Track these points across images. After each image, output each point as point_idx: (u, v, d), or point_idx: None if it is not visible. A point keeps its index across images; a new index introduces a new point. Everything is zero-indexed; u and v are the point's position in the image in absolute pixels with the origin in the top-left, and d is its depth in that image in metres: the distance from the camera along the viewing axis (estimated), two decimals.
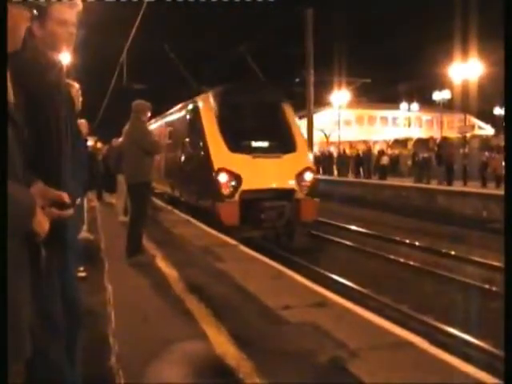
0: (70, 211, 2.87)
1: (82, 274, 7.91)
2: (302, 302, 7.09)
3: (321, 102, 52.15)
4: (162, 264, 9.64)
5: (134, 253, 9.75)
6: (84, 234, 11.12)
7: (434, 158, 33.64)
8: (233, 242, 12.68)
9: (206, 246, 11.54)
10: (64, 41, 3.40)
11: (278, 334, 5.90)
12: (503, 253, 3.07)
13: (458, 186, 30.02)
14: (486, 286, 12.20)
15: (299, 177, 16.01)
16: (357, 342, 5.55)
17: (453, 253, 15.76)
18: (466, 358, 6.13)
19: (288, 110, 17.67)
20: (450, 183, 30.88)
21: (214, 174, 15.26)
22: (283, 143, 16.53)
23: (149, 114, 10.37)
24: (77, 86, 5.60)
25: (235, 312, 6.73)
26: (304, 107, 35.18)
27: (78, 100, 5.76)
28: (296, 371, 4.94)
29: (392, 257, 15.49)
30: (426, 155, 34.11)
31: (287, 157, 16.15)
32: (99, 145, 26.91)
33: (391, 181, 36.25)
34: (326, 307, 6.94)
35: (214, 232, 14.17)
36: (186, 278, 8.40)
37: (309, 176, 16.18)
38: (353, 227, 21.08)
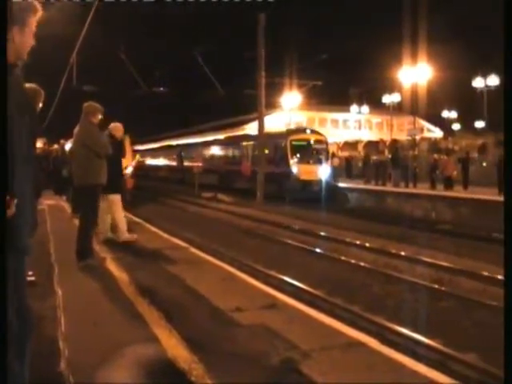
0: (10, 211, 2.83)
1: (31, 279, 7.77)
2: (254, 304, 7.09)
3: (272, 105, 52.30)
4: (112, 267, 9.54)
5: (85, 256, 9.63)
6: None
7: (390, 160, 34.00)
8: (184, 244, 12.64)
9: (157, 249, 11.47)
10: (28, 49, 3.39)
11: (229, 336, 5.89)
12: (504, 256, 3.11)
13: (410, 188, 30.46)
14: (436, 286, 12.37)
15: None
16: (309, 343, 5.57)
17: (403, 253, 15.93)
18: (417, 357, 6.21)
19: None
20: (407, 185, 31.31)
21: None
22: None
23: (100, 117, 10.23)
24: (42, 91, 5.85)
25: (186, 315, 6.70)
26: (255, 109, 35.41)
27: (38, 104, 5.86)
28: (248, 373, 4.93)
29: (343, 258, 15.59)
30: (383, 158, 34.50)
31: None
32: (55, 146, 26.54)
33: (343, 183, 36.70)
34: (277, 309, 6.95)
35: (165, 235, 14.09)
36: (136, 281, 8.32)
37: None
38: (306, 228, 21.18)
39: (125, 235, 12.31)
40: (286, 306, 7.18)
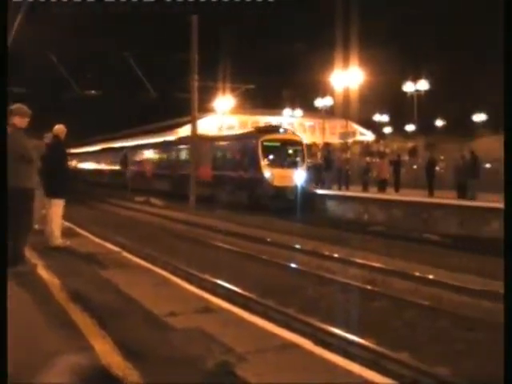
0: None
1: None
2: (188, 308, 7.05)
3: (205, 108, 52.22)
4: (44, 273, 9.34)
5: (15, 263, 9.39)
6: None
7: (324, 162, 34.28)
8: (116, 248, 12.49)
9: (89, 254, 11.30)
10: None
11: (164, 341, 5.84)
12: (504, 258, 3.16)
13: (343, 191, 30.81)
14: (369, 287, 12.55)
15: None
16: (244, 345, 5.57)
17: (336, 255, 16.12)
18: (351, 357, 6.28)
19: None
20: (340, 188, 31.65)
21: None
22: None
23: (27, 120, 10.00)
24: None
25: (120, 320, 6.61)
26: (188, 113, 35.22)
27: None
28: (183, 377, 4.90)
29: (276, 260, 15.67)
30: (316, 161, 34.72)
31: None
32: None
33: None
34: (211, 312, 6.93)
35: (97, 240, 13.90)
36: (68, 287, 8.17)
37: None
38: (240, 231, 21.23)
39: (58, 240, 12.10)
40: (221, 310, 7.16)
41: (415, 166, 36.66)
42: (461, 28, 56.79)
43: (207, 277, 13.25)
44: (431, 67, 50.90)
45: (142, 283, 8.69)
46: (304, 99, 65.79)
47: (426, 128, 59.35)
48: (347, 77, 37.96)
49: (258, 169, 30.65)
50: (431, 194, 26.13)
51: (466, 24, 54.85)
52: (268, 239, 19.42)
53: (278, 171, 30.40)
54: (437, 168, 30.00)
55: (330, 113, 62.78)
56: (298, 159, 31.57)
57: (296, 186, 29.97)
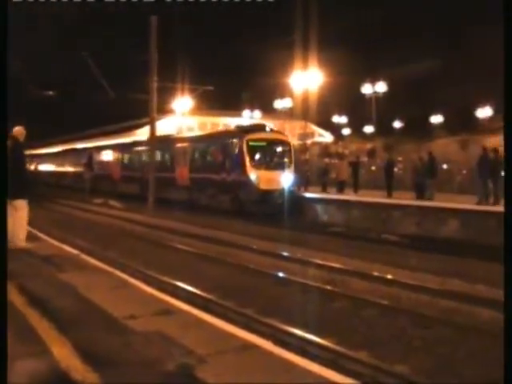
0: None
1: None
2: (148, 311, 7.04)
3: (164, 109, 52.00)
4: None
5: None
6: None
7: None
8: (75, 251, 12.39)
9: (47, 257, 11.19)
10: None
11: (124, 344, 5.82)
12: (503, 258, 3.19)
13: (302, 192, 30.84)
14: (328, 287, 12.63)
15: None
16: (204, 347, 5.58)
17: (295, 256, 16.17)
18: (311, 357, 6.33)
19: None
20: (299, 189, 31.70)
21: None
22: None
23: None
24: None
25: (79, 324, 6.57)
26: (146, 114, 34.98)
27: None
28: (143, 381, 4.89)
29: (236, 262, 15.68)
30: None
31: None
32: None
33: None
34: (171, 315, 6.92)
35: (56, 242, 13.76)
36: (27, 291, 8.08)
37: None
38: (198, 233, 21.18)
39: (22, 243, 12.00)
40: (181, 312, 7.16)
41: (374, 167, 37.00)
42: (419, 30, 57.52)
43: (166, 279, 13.20)
44: (389, 69, 51.47)
45: (101, 286, 8.64)
46: (263, 101, 65.98)
47: (384, 129, 59.93)
48: (306, 78, 38.17)
49: (243, 171, 28.26)
50: (390, 195, 26.41)
51: (426, 26, 55.57)
52: (226, 240, 19.41)
53: (265, 173, 28.19)
54: (395, 169, 30.32)
55: (289, 114, 63.03)
56: (286, 160, 29.27)
57: (283, 190, 27.88)
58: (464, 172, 30.89)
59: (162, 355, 5.37)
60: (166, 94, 47.68)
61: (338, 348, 8.35)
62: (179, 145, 36.37)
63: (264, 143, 29.34)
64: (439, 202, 23.17)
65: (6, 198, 2.40)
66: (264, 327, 9.31)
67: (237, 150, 29.04)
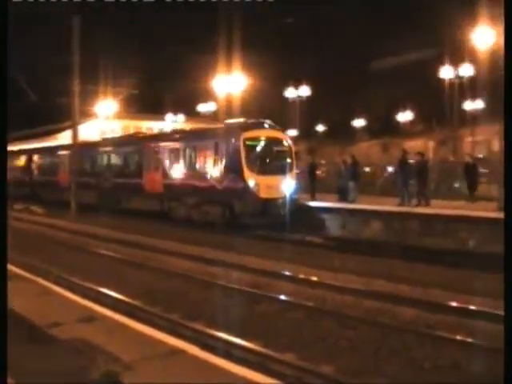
0: None
1: None
2: (71, 318, 6.91)
3: (86, 113, 51.21)
4: None
5: None
6: None
7: None
8: None
9: None
10: None
11: (47, 353, 5.69)
12: (504, 258, 3.20)
13: None
14: (254, 290, 12.66)
15: None
16: (130, 354, 5.51)
17: (221, 260, 16.12)
18: (238, 361, 6.33)
19: None
20: None
21: None
22: None
23: None
24: None
25: None
26: (69, 118, 34.31)
27: None
28: None
29: (160, 267, 15.56)
30: None
31: None
32: None
33: None
34: (96, 321, 6.81)
35: None
36: None
37: None
38: (122, 238, 20.92)
39: None
40: (105, 318, 7.06)
41: (297, 170, 37.30)
42: (341, 35, 58.41)
43: (90, 285, 12.98)
44: (312, 73, 52.06)
45: (23, 294, 8.43)
46: (187, 104, 65.77)
47: (307, 133, 60.53)
48: (230, 82, 38.25)
49: (240, 176, 23.44)
50: (313, 198, 26.64)
51: (348, 31, 56.51)
52: (150, 244, 19.22)
53: (265, 179, 23.59)
54: (318, 172, 30.64)
55: (213, 118, 63.07)
56: (287, 163, 24.63)
57: (285, 198, 23.51)
58: (386, 174, 31.56)
59: (87, 363, 5.27)
60: (89, 97, 46.94)
61: (264, 350, 8.38)
62: (149, 145, 30.46)
63: (263, 142, 24.64)
64: (362, 204, 23.53)
65: (6, 199, 2.37)
66: (190, 332, 9.27)
67: (231, 151, 24.20)
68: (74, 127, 33.00)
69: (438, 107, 45.61)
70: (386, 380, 7.53)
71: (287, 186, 23.82)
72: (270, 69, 47.63)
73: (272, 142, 24.86)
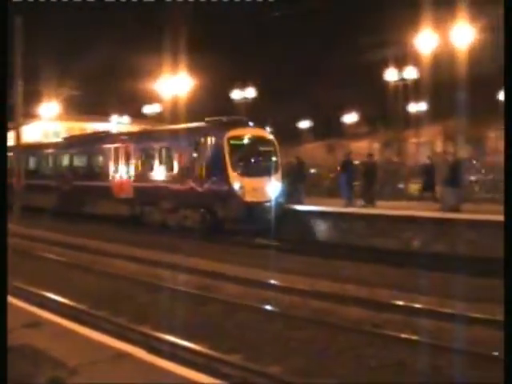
0: None
1: None
2: (15, 324, 6.77)
3: (28, 114, 50.37)
4: None
5: None
6: None
7: None
8: None
9: None
10: None
11: None
12: (503, 259, 3.19)
13: None
14: (200, 292, 12.64)
15: None
16: (76, 358, 5.45)
17: (168, 262, 16.01)
18: (185, 363, 6.31)
19: None
20: None
21: None
22: None
23: None
24: None
25: None
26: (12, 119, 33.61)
27: None
28: None
29: (107, 270, 15.40)
30: None
31: None
32: None
33: None
34: (41, 327, 6.71)
35: None
36: None
37: None
38: (66, 241, 20.62)
39: None
40: (50, 323, 6.95)
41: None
42: (287, 36, 58.76)
43: (34, 290, 12.76)
44: (258, 74, 52.19)
45: None
46: (132, 106, 65.25)
47: None
48: (175, 83, 38.11)
49: (224, 178, 21.83)
50: None
51: (293, 32, 56.81)
52: (93, 248, 18.97)
53: (251, 181, 22.01)
54: None
55: (159, 120, 62.77)
56: (273, 163, 23.02)
57: (271, 201, 21.94)
58: (331, 175, 31.81)
59: (32, 369, 5.18)
60: (32, 98, 46.20)
61: (211, 352, 8.36)
62: (118, 145, 27.87)
63: (248, 142, 23.05)
64: (308, 205, 23.60)
65: (6, 200, 2.31)
66: (137, 335, 9.19)
67: (213, 151, 22.43)
68: (16, 129, 32.29)
69: (383, 109, 46.23)
70: (333, 380, 7.59)
71: (273, 188, 22.35)
72: (217, 70, 47.60)
73: (257, 141, 23.28)
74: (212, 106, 49.22)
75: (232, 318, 10.72)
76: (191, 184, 22.75)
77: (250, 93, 50.36)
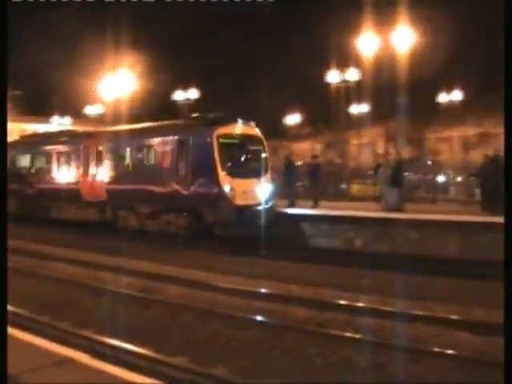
0: None
1: None
2: None
3: None
4: None
5: None
6: None
7: None
8: None
9: None
10: None
11: None
12: (504, 259, 3.18)
13: None
14: (143, 294, 12.57)
15: None
16: (16, 365, 5.34)
17: (111, 265, 15.84)
18: (129, 367, 6.26)
19: None
20: None
21: None
22: None
23: None
24: None
25: None
26: None
27: None
28: None
29: (48, 274, 15.15)
30: None
31: None
32: None
33: None
34: None
35: None
36: None
37: None
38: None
39: None
40: None
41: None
42: (228, 36, 58.76)
43: None
44: (201, 75, 52.05)
45: None
46: (74, 106, 64.37)
47: None
48: (116, 85, 37.72)
49: (214, 180, 20.17)
50: None
51: (235, 32, 56.87)
52: (37, 251, 18.62)
53: (241, 183, 20.45)
54: None
55: (101, 121, 62.07)
56: (264, 164, 21.57)
57: (261, 204, 20.54)
58: (275, 176, 31.91)
59: None
60: None
61: (155, 355, 8.32)
62: (88, 144, 25.76)
63: (237, 140, 21.28)
64: None
65: (6, 200, 2.24)
66: (80, 340, 9.08)
67: (201, 151, 20.71)
68: None
69: (325, 110, 46.61)
70: (278, 379, 7.63)
71: (263, 190, 20.84)
72: (160, 71, 47.30)
73: (248, 140, 21.51)
74: (155, 108, 48.90)
75: (175, 320, 10.67)
76: (175, 186, 21.03)
77: (193, 94, 50.17)
